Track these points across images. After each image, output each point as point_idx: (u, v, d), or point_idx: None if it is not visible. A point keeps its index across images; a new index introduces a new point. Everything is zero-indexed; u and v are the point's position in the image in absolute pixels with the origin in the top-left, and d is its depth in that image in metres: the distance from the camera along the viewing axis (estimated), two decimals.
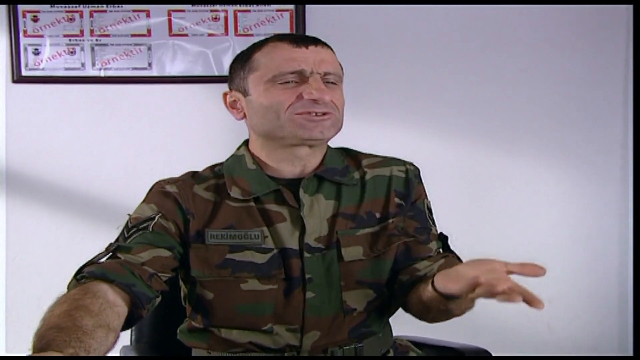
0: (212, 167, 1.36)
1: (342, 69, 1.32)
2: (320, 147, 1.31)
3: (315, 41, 1.28)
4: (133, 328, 1.48)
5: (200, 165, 1.40)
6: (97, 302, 1.06)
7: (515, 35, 2.62)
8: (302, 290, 1.26)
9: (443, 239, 1.37)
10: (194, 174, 1.34)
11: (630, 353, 2.61)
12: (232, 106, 1.33)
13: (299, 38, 1.28)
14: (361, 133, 2.24)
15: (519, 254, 2.68)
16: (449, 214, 1.43)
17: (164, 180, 1.33)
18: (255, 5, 2.55)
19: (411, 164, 1.38)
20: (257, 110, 1.27)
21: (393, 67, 2.60)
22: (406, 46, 2.60)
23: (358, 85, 2.45)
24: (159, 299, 1.22)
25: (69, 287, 1.16)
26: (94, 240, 2.48)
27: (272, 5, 2.55)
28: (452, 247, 1.38)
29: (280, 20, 2.55)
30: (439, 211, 1.43)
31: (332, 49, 1.31)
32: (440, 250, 1.36)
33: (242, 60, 1.30)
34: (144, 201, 1.31)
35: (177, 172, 1.38)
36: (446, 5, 2.58)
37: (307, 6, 2.55)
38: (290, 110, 1.22)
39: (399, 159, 1.38)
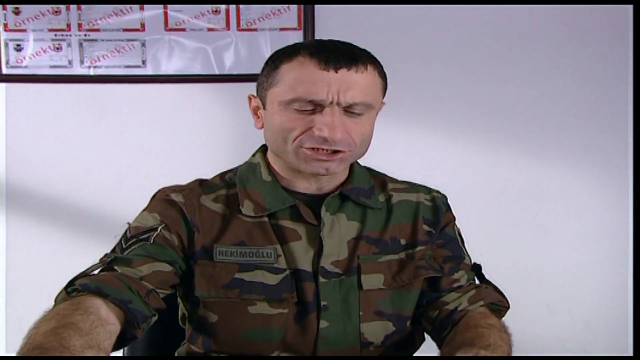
0: (222, 175, 1.35)
1: (383, 89, 1.27)
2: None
3: (351, 62, 1.19)
4: (125, 349, 1.46)
5: (199, 172, 1.39)
6: (88, 320, 1.03)
7: (539, 34, 2.61)
8: (315, 317, 1.23)
9: (476, 268, 1.37)
10: (201, 182, 1.33)
11: None
12: (255, 112, 1.31)
13: (333, 57, 1.19)
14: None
15: (547, 270, 2.69)
16: (474, 224, 1.43)
17: (168, 188, 1.31)
18: None
19: (438, 191, 1.39)
20: (269, 127, 1.25)
21: (405, 69, 2.59)
22: (420, 47, 2.60)
23: None
24: (155, 318, 1.20)
25: (56, 300, 1.13)
26: (82, 255, 2.49)
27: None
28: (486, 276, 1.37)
29: (286, 14, 2.54)
30: (463, 223, 1.42)
31: (376, 67, 1.24)
32: (475, 280, 1.35)
33: (270, 68, 1.25)
34: (146, 209, 1.29)
35: (174, 180, 1.37)
36: (462, 5, 2.58)
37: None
38: (298, 142, 1.20)
39: (425, 186, 1.39)
